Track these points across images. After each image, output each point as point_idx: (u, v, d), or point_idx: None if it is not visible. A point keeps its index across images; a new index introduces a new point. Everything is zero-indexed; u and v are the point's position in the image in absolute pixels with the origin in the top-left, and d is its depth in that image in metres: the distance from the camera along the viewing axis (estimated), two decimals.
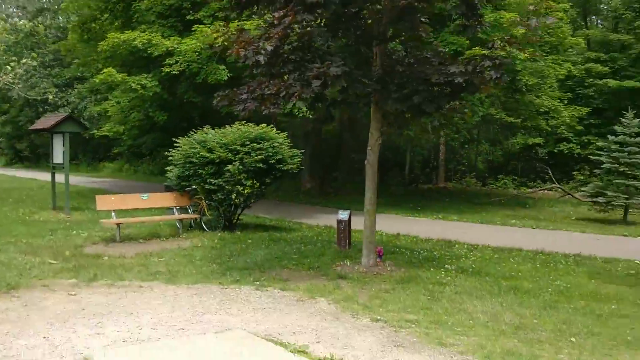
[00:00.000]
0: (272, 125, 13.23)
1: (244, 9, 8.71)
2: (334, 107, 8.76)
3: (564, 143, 27.84)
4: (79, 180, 28.53)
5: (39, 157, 50.30)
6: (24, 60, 10.26)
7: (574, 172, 27.18)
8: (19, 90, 13.71)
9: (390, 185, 31.10)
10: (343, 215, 10.46)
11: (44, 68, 39.76)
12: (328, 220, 15.40)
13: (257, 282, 7.78)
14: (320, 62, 7.24)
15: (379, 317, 6.09)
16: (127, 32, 16.24)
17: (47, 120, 16.47)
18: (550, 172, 25.09)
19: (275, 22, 6.74)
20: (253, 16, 13.48)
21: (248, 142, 12.46)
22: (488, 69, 7.14)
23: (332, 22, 7.25)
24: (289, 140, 13.11)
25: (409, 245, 11.52)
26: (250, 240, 11.58)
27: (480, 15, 7.35)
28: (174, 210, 13.11)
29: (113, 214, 12.14)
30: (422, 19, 8.15)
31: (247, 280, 7.89)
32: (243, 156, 12.24)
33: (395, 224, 14.04)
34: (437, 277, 8.09)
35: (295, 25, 6.77)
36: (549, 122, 24.42)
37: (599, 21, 37.52)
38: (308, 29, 7.10)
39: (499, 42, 7.22)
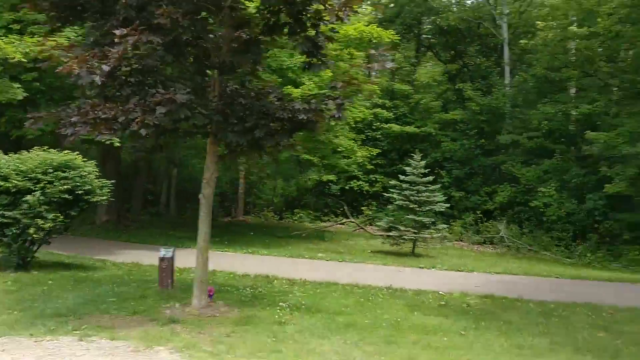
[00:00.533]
0: (77, 152, 12.01)
1: (66, 23, 7.81)
2: (165, 136, 8.21)
3: (354, 180, 29.77)
4: None
5: None
6: None
7: (363, 208, 29.18)
8: None
9: (188, 217, 30.40)
10: (166, 252, 9.79)
11: None
12: (134, 256, 14.39)
13: (78, 332, 6.81)
14: (162, 87, 6.75)
15: None
16: None
17: None
18: (345, 207, 26.64)
19: (116, 40, 6.11)
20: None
21: (51, 170, 11.15)
22: (330, 108, 7.30)
23: (171, 46, 6.81)
24: (97, 170, 12.00)
25: (230, 282, 11.19)
26: (51, 282, 10.26)
27: (324, 55, 7.53)
28: None
29: None
30: None
31: (64, 330, 6.87)
32: (45, 185, 10.89)
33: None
34: (275, 317, 7.89)
35: (140, 47, 6.20)
36: (344, 162, 25.98)
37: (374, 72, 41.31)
38: (145, 51, 6.56)
39: (341, 82, 7.45)
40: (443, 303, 9.92)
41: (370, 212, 28.39)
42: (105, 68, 6.24)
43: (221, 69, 7.76)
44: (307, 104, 7.46)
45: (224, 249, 17.22)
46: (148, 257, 14.22)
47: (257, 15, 7.73)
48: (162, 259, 9.76)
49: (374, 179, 29.50)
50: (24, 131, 15.49)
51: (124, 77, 6.66)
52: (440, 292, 11.01)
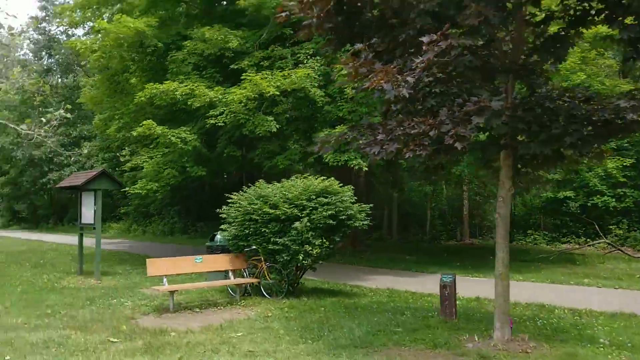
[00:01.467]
0: (331, 177, 12.00)
1: (344, 45, 7.60)
2: (446, 153, 7.52)
3: (597, 196, 26.65)
4: (90, 241, 27.02)
5: (39, 219, 48.70)
6: (57, 112, 9.23)
7: (610, 227, 25.94)
8: (51, 144, 12.49)
9: (412, 242, 29.81)
10: (447, 279, 9.09)
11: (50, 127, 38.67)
12: (384, 282, 14.01)
13: None
14: (466, 95, 6.09)
15: None
16: (166, 82, 15.20)
17: (77, 177, 15.16)
18: (597, 226, 23.94)
19: (424, 48, 5.61)
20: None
21: (314, 197, 11.22)
22: None
23: (476, 49, 6.14)
24: (354, 195, 11.84)
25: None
26: (323, 309, 10.17)
27: None
28: (229, 273, 11.67)
29: (165, 280, 10.74)
30: None
31: None
32: (311, 212, 10.96)
33: (460, 286, 12.48)
34: (608, 357, 6.67)
35: (450, 52, 5.62)
36: (589, 175, 23.41)
37: None
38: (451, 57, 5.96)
39: None
40: None
41: (621, 232, 25.13)
42: (411, 79, 5.75)
43: (516, 71, 6.90)
44: (633, 99, 6.23)
45: (473, 274, 16.18)
46: (398, 283, 13.79)
47: (560, 6, 6.76)
48: (443, 286, 9.07)
49: (621, 193, 26.12)
50: (275, 162, 16.23)
51: (427, 89, 6.14)
52: None
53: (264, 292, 11.44)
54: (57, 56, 45.98)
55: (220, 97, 14.66)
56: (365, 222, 11.53)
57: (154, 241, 30.83)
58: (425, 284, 13.67)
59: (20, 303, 10.82)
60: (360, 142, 6.34)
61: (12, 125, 9.51)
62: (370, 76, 5.86)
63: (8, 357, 6.92)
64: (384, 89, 5.77)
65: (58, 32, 46.08)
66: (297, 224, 10.83)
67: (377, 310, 10.04)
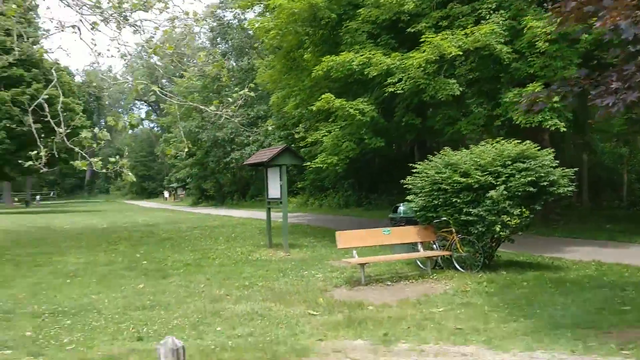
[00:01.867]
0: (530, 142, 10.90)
1: None
2: None
3: None
4: (275, 215, 28.36)
5: (224, 196, 52.41)
6: (242, 92, 9.37)
7: None
8: (237, 122, 12.86)
9: (606, 209, 27.02)
10: None
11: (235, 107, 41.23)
12: (588, 254, 12.58)
13: (626, 352, 5.45)
14: None
15: None
16: (342, 54, 15.02)
17: (262, 154, 15.69)
18: None
19: None
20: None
21: (509, 163, 10.30)
22: None
23: None
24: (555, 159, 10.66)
25: None
26: (526, 283, 9.31)
27: None
28: (418, 246, 11.21)
29: (354, 252, 10.58)
30: None
31: (608, 348, 5.58)
32: (507, 179, 10.07)
33: None
34: None
35: None
36: None
37: None
38: None
39: None
40: None
41: None
42: None
43: None
44: None
45: None
46: (604, 255, 12.26)
47: None
48: None
49: None
50: (457, 127, 15.39)
51: None
52: None
53: (457, 265, 10.81)
54: (231, 41, 48.78)
55: (397, 63, 14.10)
56: (570, 189, 10.35)
57: (330, 214, 31.50)
58: (638, 256, 12.11)
59: (219, 275, 11.35)
60: (591, 93, 5.41)
61: (203, 107, 9.86)
62: (601, 14, 4.93)
63: (219, 328, 7.15)
64: (620, 28, 4.81)
65: (231, 18, 48.85)
66: (492, 192, 10.03)
67: (590, 285, 8.96)
